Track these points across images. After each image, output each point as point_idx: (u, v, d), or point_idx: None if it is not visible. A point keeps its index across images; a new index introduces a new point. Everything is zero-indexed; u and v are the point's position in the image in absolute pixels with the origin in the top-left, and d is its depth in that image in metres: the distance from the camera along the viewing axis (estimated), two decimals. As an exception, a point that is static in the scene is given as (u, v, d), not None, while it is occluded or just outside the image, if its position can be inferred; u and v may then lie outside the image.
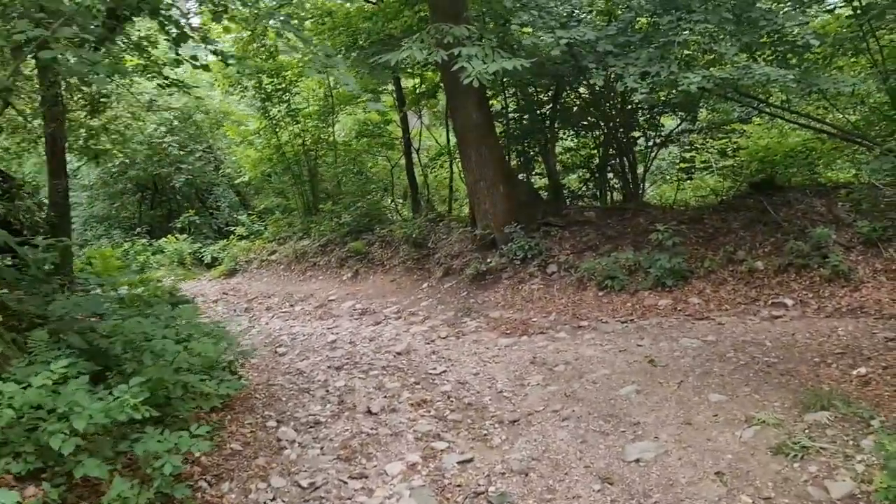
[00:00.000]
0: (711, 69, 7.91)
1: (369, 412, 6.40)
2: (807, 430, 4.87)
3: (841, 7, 9.52)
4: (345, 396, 6.91)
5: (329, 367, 7.95)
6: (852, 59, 10.30)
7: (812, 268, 8.41)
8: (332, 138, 15.35)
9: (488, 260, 10.54)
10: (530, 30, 9.27)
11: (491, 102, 12.11)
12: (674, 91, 8.56)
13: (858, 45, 9.58)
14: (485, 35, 9.11)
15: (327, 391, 7.11)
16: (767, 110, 10.86)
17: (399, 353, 8.20)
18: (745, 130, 12.39)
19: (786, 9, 9.27)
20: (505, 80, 11.60)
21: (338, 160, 15.18)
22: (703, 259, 9.15)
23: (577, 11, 9.74)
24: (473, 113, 10.43)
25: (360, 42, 11.37)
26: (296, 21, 6.64)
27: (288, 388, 7.27)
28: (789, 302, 8.10)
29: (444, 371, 7.43)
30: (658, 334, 7.75)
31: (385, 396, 6.83)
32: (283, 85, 14.68)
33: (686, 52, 8.96)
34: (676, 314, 8.41)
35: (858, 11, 9.17)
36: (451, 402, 6.54)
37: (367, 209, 13.70)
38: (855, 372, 5.94)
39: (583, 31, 8.45)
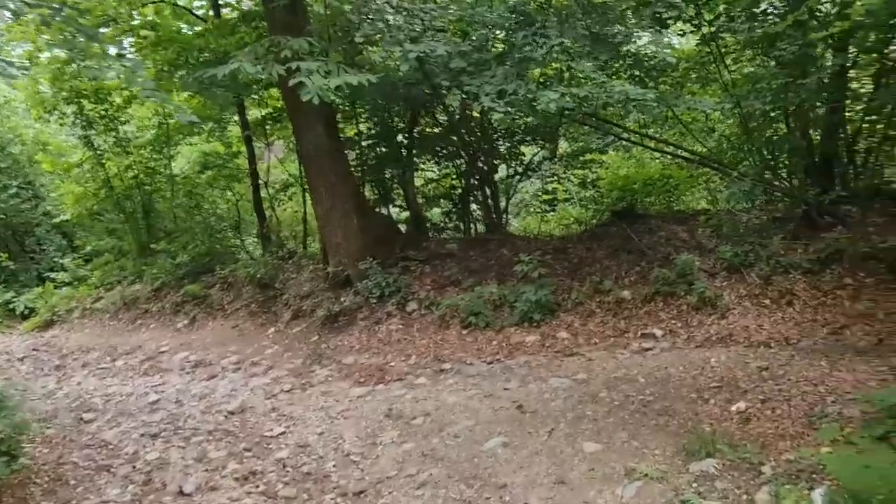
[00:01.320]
0: (571, 88, 7.42)
1: (181, 493, 5.17)
2: (694, 484, 4.18)
3: (691, 32, 9.47)
4: (155, 473, 5.62)
5: (143, 434, 6.58)
6: (706, 87, 10.33)
7: (679, 295, 8.03)
8: (168, 171, 13.80)
9: (342, 299, 9.50)
10: (379, 47, 8.50)
11: (343, 129, 11.20)
12: (533, 113, 8.01)
13: (710, 71, 9.58)
14: (329, 50, 8.24)
15: (134, 467, 5.78)
16: (625, 136, 10.65)
17: (232, 413, 6.95)
18: (603, 161, 12.24)
19: (642, 33, 9.07)
20: (357, 103, 10.74)
21: (175, 195, 13.62)
22: (570, 290, 8.60)
23: (429, 30, 9.06)
24: (321, 137, 9.45)
25: (190, 60, 10.13)
26: (77, 15, 5.42)
27: (83, 466, 5.86)
28: (658, 332, 7.64)
29: (284, 432, 6.29)
30: (526, 375, 7.00)
31: (206, 470, 5.61)
32: (110, 111, 13.03)
33: (543, 70, 8.51)
34: (545, 351, 7.73)
35: (707, 37, 9.15)
36: (287, 472, 5.42)
37: (208, 248, 12.27)
38: (734, 407, 5.41)
39: (433, 45, 7.75)
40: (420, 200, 12.12)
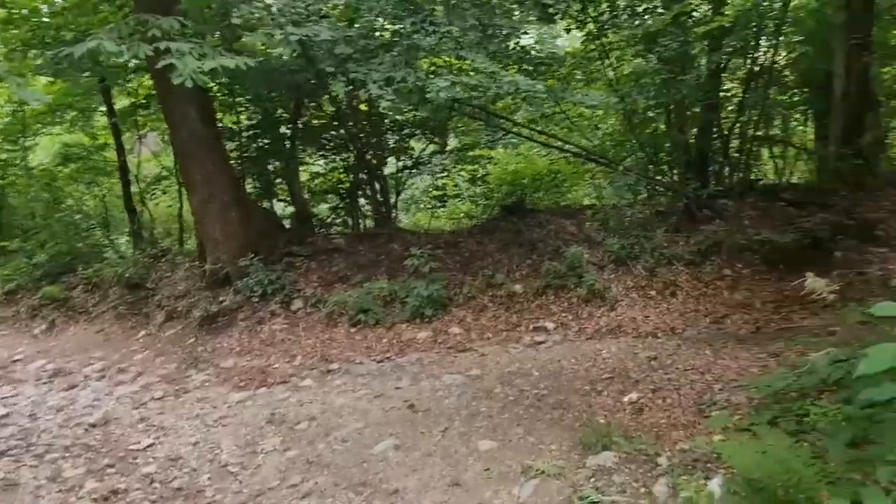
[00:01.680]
0: (461, 76, 7.24)
1: (29, 520, 4.52)
2: (592, 479, 4.05)
3: (576, 28, 9.55)
4: (0, 496, 4.92)
5: (-13, 454, 5.78)
6: (590, 84, 10.48)
7: (569, 288, 8.04)
8: (24, 164, 12.54)
9: (221, 299, 8.88)
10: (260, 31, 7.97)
11: (222, 118, 10.54)
12: (422, 103, 7.77)
13: (596, 68, 9.71)
14: (206, 33, 7.66)
15: (-28, 493, 5.03)
16: (515, 131, 10.63)
17: (93, 426, 6.26)
18: (492, 157, 12.22)
19: (529, 28, 9.04)
20: (236, 90, 10.12)
21: (32, 189, 12.38)
22: (462, 285, 8.43)
23: (313, 15, 8.62)
24: (196, 124, 8.79)
25: (47, 39, 9.17)
26: None
27: None
28: (550, 325, 7.60)
29: (152, 444, 5.70)
30: (418, 372, 6.74)
31: (60, 490, 4.99)
32: (-51, 96, 11.67)
33: (433, 60, 8.30)
34: (437, 347, 7.51)
35: (592, 34, 9.26)
36: (154, 488, 4.88)
37: (70, 247, 11.20)
38: (626, 398, 5.38)
39: (317, 29, 7.34)
40: (306, 195, 11.62)
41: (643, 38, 8.41)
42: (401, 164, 11.34)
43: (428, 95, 7.02)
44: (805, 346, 6.06)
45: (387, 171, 11.28)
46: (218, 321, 8.71)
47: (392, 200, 11.15)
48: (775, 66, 9.75)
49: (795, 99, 11.59)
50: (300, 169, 11.52)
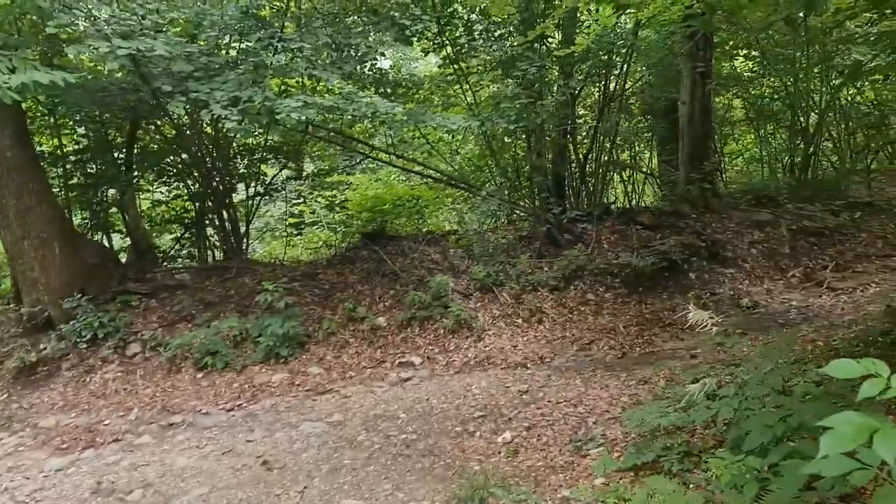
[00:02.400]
0: (315, 97, 6.75)
1: None
2: (471, 540, 3.65)
3: (433, 50, 9.36)
4: None
5: None
6: (449, 109, 10.31)
7: (435, 319, 7.71)
8: None
9: (41, 346, 7.72)
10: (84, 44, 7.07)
11: (41, 141, 9.35)
12: (272, 124, 7.19)
13: (455, 92, 9.55)
14: (20, 45, 6.69)
15: None
16: (373, 155, 10.23)
17: None
18: (350, 182, 11.76)
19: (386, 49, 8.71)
20: (59, 110, 9.00)
21: None
22: (322, 320, 7.86)
23: (147, 29, 7.81)
24: (8, 149, 7.66)
25: None
26: None
27: None
28: (417, 360, 7.21)
29: (-59, 535, 4.68)
30: (273, 421, 6.09)
31: None
32: None
33: (285, 80, 7.75)
34: (295, 390, 6.88)
35: (450, 58, 9.09)
36: None
37: None
38: (500, 439, 5.06)
39: (151, 43, 6.59)
40: (146, 226, 10.56)
41: (501, 63, 8.33)
42: (252, 190, 10.59)
43: (278, 117, 6.47)
44: (671, 370, 6.08)
45: (236, 198, 10.48)
46: (37, 372, 7.55)
47: (243, 230, 10.36)
48: (624, 94, 10.06)
49: (641, 126, 12.10)
50: (139, 197, 10.47)
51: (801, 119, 10.50)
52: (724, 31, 9.41)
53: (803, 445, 2.82)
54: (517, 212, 9.68)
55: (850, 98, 10.97)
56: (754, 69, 11.40)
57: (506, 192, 9.09)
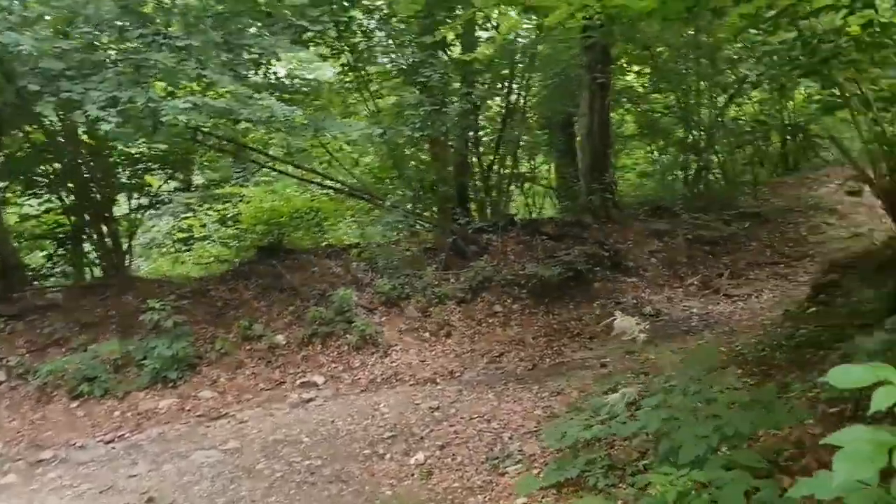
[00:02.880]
0: (205, 97, 6.26)
1: None
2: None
3: (332, 57, 9.02)
4: None
5: None
6: (350, 118, 9.97)
7: (338, 335, 7.32)
8: None
9: None
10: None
11: None
12: (156, 129, 6.60)
13: (355, 99, 9.24)
14: None
15: None
16: (269, 165, 9.70)
17: None
18: (244, 195, 11.16)
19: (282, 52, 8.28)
20: None
21: None
22: (214, 340, 7.28)
23: (13, 23, 7.04)
24: None
25: None
26: None
27: None
28: (319, 379, 6.79)
29: None
30: (161, 452, 5.51)
31: None
32: None
33: (171, 83, 7.17)
34: (185, 417, 6.30)
35: (349, 65, 8.80)
36: None
37: None
38: (413, 460, 4.76)
39: (14, 37, 5.91)
40: (14, 242, 9.54)
41: (403, 70, 8.11)
42: (135, 203, 9.80)
43: (163, 119, 5.94)
44: (583, 381, 5.97)
45: (118, 211, 9.66)
46: None
47: (126, 246, 9.55)
48: (526, 105, 10.08)
49: (539, 139, 12.18)
50: (5, 211, 9.45)
51: (693, 134, 10.88)
52: (621, 43, 9.61)
53: (739, 455, 2.70)
54: (421, 223, 9.44)
55: (735, 113, 11.48)
56: (646, 84, 11.72)
57: (409, 204, 8.83)
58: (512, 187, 11.56)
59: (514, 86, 10.00)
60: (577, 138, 10.66)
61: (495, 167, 10.08)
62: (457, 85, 9.09)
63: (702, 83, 10.57)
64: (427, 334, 7.46)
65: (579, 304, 8.05)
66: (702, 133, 10.75)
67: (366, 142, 9.74)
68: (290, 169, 9.58)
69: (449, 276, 8.34)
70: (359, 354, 7.13)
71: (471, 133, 9.62)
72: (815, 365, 4.20)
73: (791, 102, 11.81)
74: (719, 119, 10.82)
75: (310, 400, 6.38)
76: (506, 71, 9.99)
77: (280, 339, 7.35)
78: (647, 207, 10.45)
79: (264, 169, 9.90)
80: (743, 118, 11.78)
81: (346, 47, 8.70)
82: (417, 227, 9.56)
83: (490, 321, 7.72)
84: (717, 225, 9.52)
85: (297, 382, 6.79)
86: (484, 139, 10.43)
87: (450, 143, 9.05)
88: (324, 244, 10.29)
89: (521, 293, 8.16)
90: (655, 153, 13.04)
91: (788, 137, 12.74)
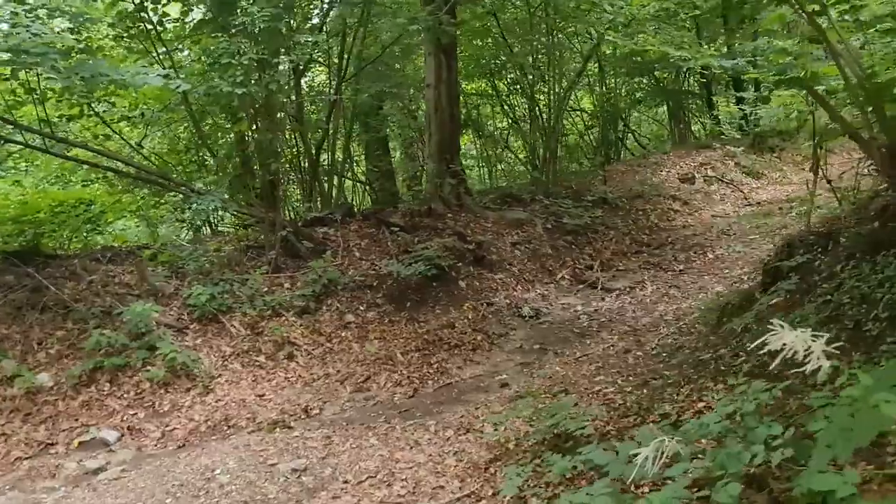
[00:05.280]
0: None
1: None
2: None
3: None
4: None
5: None
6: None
7: (135, 368, 5.25)
8: None
9: None
10: None
11: None
12: None
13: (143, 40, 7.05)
14: None
15: None
16: (18, 140, 7.06)
17: None
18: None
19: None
20: None
21: None
22: (-66, 389, 4.83)
23: None
24: None
25: None
26: None
27: None
28: (111, 436, 4.71)
29: None
30: None
31: None
32: None
33: None
34: None
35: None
36: None
37: None
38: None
39: None
40: None
41: (217, 4, 6.13)
42: None
43: None
44: (489, 408, 4.59)
45: None
46: None
47: None
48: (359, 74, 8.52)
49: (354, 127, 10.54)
50: None
51: (541, 116, 10.00)
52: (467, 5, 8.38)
53: None
54: (241, 214, 7.46)
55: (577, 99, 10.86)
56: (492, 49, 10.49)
57: (224, 191, 6.79)
58: (345, 172, 9.92)
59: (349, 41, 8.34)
60: (421, 112, 9.27)
61: (326, 147, 8.38)
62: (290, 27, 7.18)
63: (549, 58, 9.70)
64: (262, 358, 5.61)
65: (447, 308, 6.66)
66: (550, 116, 9.92)
67: (155, 112, 7.59)
68: (50, 144, 7.03)
69: (282, 279, 6.52)
70: (168, 393, 5.12)
71: (294, 101, 7.84)
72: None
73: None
74: (564, 103, 10.08)
75: (99, 470, 4.30)
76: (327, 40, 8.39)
77: (45, 378, 5.09)
78: (494, 195, 9.35)
79: (9, 144, 7.23)
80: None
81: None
82: (233, 218, 7.59)
83: (343, 335, 6.05)
84: (575, 212, 8.66)
85: (76, 443, 4.64)
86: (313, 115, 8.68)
87: (281, 110, 7.17)
88: (99, 246, 7.89)
89: (375, 298, 6.59)
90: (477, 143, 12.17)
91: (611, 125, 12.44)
